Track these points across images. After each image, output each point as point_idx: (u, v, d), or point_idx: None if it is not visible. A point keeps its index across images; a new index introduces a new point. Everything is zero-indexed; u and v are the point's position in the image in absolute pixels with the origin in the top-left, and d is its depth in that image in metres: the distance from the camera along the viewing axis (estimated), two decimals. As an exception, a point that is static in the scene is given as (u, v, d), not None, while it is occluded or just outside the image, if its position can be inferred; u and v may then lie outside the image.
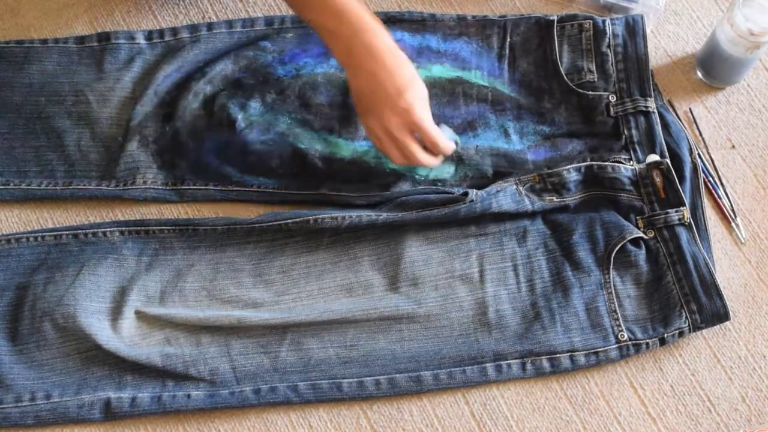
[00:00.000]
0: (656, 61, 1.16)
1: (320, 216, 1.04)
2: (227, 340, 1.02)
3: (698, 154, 1.10)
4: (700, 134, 1.12)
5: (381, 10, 1.19)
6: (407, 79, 0.97)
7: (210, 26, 1.17)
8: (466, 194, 1.04)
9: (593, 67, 1.12)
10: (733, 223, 1.08)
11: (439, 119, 1.07)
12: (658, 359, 1.03)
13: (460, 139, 1.08)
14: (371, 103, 0.98)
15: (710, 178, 1.10)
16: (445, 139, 1.00)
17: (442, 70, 1.14)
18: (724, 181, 1.10)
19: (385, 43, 0.96)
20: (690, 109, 1.14)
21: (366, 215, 1.04)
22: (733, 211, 1.09)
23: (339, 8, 0.95)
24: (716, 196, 1.09)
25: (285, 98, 1.12)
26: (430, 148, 1.00)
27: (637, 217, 1.06)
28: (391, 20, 1.16)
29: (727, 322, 1.02)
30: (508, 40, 1.15)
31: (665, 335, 1.01)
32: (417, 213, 1.04)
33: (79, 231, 1.07)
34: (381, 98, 0.96)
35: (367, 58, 0.96)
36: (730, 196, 1.10)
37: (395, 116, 0.96)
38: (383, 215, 1.04)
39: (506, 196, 1.06)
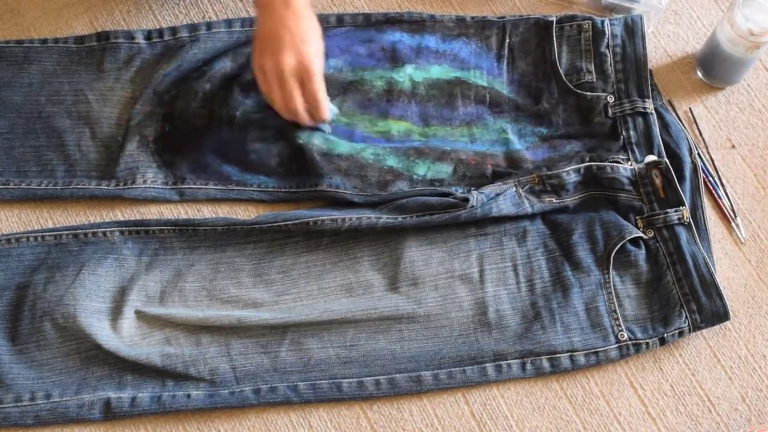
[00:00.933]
0: (656, 60, 1.17)
1: (320, 218, 1.04)
2: (227, 340, 1.02)
3: (698, 154, 1.10)
4: (701, 134, 1.13)
5: (381, 10, 1.19)
6: (312, 33, 1.02)
7: (209, 26, 1.17)
8: (467, 200, 1.04)
9: (592, 68, 1.12)
10: (733, 223, 1.08)
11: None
12: (658, 359, 1.03)
13: (338, 114, 1.11)
14: (274, 43, 1.01)
15: (710, 178, 1.10)
16: (328, 103, 1.05)
17: (441, 71, 1.14)
18: (724, 181, 1.10)
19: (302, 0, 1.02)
20: (690, 108, 1.14)
21: (366, 217, 1.04)
22: (733, 211, 1.09)
23: None
24: (716, 196, 1.09)
25: (283, 98, 1.12)
26: (312, 104, 1.04)
27: (637, 217, 1.06)
28: (390, 21, 1.16)
29: (727, 322, 1.02)
30: (507, 40, 1.15)
31: (665, 335, 1.01)
32: (417, 218, 1.04)
33: (79, 231, 1.07)
34: (285, 41, 1.00)
35: (283, 4, 1.00)
36: (730, 195, 1.10)
37: (293, 60, 1.00)
38: (383, 219, 1.04)
39: (506, 199, 1.06)
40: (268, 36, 1.01)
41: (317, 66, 1.02)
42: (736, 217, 1.09)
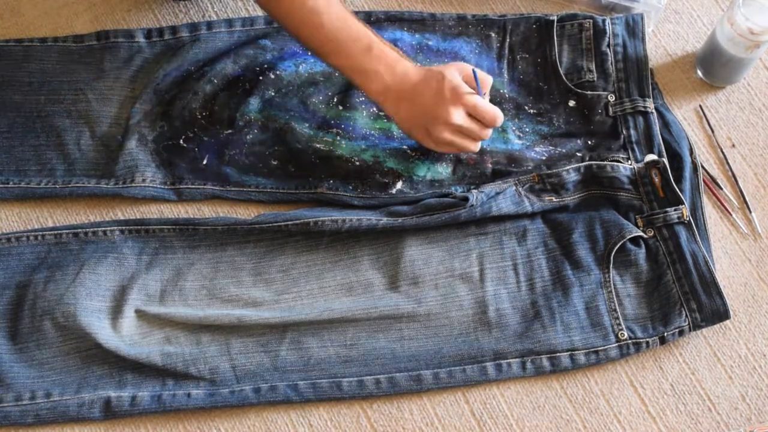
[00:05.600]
0: (656, 60, 1.17)
1: (320, 219, 1.04)
2: (227, 339, 1.02)
3: (697, 154, 1.10)
4: (712, 131, 1.13)
5: (381, 9, 1.19)
6: (443, 75, 0.99)
7: (210, 25, 1.17)
8: (466, 199, 1.04)
9: (593, 67, 1.12)
10: (751, 215, 1.08)
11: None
12: (658, 358, 1.03)
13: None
14: (428, 117, 0.99)
15: (710, 177, 1.10)
16: (494, 107, 1.01)
17: (442, 70, 1.14)
18: (737, 176, 1.10)
19: (408, 64, 1.00)
20: (700, 106, 1.14)
21: (366, 219, 1.04)
22: (747, 205, 1.09)
23: (368, 45, 0.98)
24: (719, 195, 1.09)
25: (284, 96, 1.12)
26: (489, 122, 1.00)
27: (637, 216, 1.06)
28: (390, 19, 1.16)
29: (727, 321, 1.02)
30: (508, 39, 1.15)
31: (665, 334, 1.01)
32: (417, 218, 1.04)
33: (80, 230, 1.07)
34: (434, 106, 0.98)
35: (404, 86, 0.99)
36: (743, 190, 1.09)
37: (454, 108, 0.97)
38: (383, 220, 1.04)
39: (506, 198, 1.06)
40: (416, 118, 1.00)
41: (470, 94, 0.98)
42: (751, 211, 1.09)
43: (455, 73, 0.99)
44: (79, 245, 1.07)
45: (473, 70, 1.00)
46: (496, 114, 0.99)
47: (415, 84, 0.99)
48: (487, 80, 1.01)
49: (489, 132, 1.02)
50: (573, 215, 1.07)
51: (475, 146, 1.02)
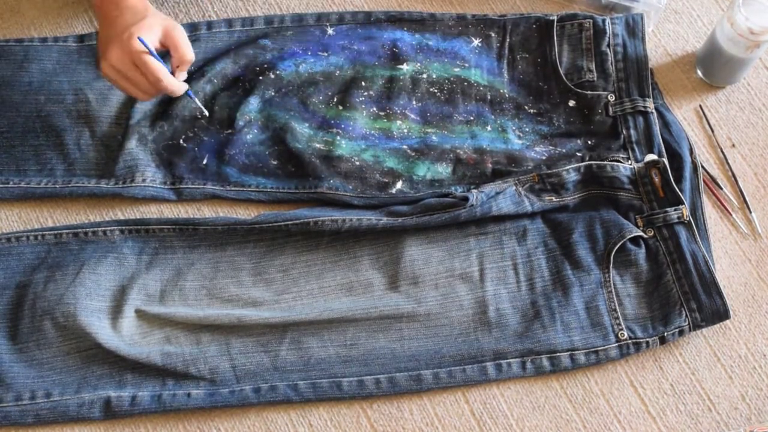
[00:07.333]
0: (656, 59, 1.17)
1: (320, 219, 1.04)
2: (227, 339, 1.02)
3: (697, 154, 1.10)
4: (712, 131, 1.13)
5: (381, 9, 1.19)
6: (138, 18, 0.97)
7: (209, 25, 1.17)
8: (466, 199, 1.04)
9: (593, 67, 1.12)
10: (751, 215, 1.08)
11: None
12: (658, 358, 1.03)
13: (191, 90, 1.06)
14: (104, 46, 0.98)
15: (710, 177, 1.10)
16: (168, 74, 0.99)
17: (441, 69, 1.14)
18: (737, 176, 1.10)
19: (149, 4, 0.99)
20: (700, 106, 1.14)
21: (366, 219, 1.04)
22: (747, 205, 1.09)
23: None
24: (719, 195, 1.09)
25: (284, 96, 1.12)
26: (152, 81, 0.98)
27: (637, 216, 1.06)
28: (390, 19, 1.16)
29: (727, 321, 1.02)
30: (508, 39, 1.15)
31: (665, 334, 1.01)
32: (417, 218, 1.04)
33: (80, 230, 1.07)
34: (111, 38, 0.97)
35: (113, 5, 0.97)
36: (743, 190, 1.09)
37: (118, 50, 0.96)
38: (383, 220, 1.04)
39: (506, 198, 1.06)
40: (101, 41, 0.99)
41: (137, 45, 0.96)
42: (751, 211, 1.09)
43: (158, 26, 0.98)
44: (79, 245, 1.07)
45: (143, 41, 0.96)
46: (161, 77, 0.97)
47: (124, 11, 0.97)
48: (181, 56, 0.99)
49: (152, 93, 0.99)
50: (573, 215, 1.07)
51: (141, 96, 1.00)
